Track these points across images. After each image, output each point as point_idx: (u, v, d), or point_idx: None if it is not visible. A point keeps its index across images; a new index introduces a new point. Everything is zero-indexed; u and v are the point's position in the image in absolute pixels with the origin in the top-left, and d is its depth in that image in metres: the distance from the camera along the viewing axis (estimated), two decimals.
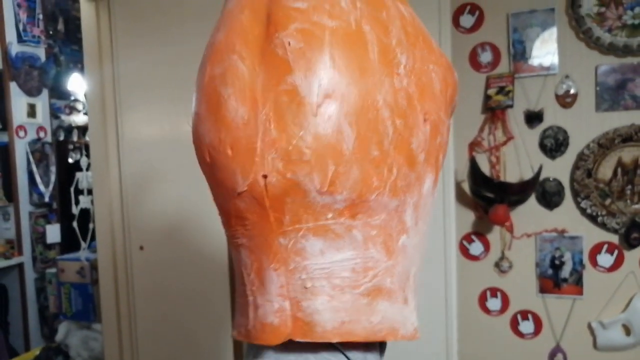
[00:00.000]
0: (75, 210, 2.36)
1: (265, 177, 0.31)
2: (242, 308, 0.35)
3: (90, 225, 2.36)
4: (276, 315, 0.32)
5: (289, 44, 0.31)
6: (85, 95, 2.06)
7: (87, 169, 2.30)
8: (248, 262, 0.34)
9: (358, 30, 0.33)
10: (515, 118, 1.63)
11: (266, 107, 0.31)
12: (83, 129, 2.40)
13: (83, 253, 2.38)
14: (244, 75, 0.31)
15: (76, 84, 2.42)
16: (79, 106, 2.37)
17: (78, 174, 2.36)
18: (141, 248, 1.90)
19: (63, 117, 2.74)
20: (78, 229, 2.36)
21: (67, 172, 3.10)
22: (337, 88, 0.31)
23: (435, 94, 0.36)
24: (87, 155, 2.23)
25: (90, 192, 2.29)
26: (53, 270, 2.72)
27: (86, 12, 1.94)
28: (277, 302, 0.33)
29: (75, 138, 2.45)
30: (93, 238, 2.22)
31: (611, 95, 1.54)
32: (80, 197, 2.36)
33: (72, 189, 2.38)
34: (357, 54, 0.32)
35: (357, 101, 0.32)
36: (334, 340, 0.33)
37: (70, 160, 2.47)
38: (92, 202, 2.21)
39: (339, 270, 0.33)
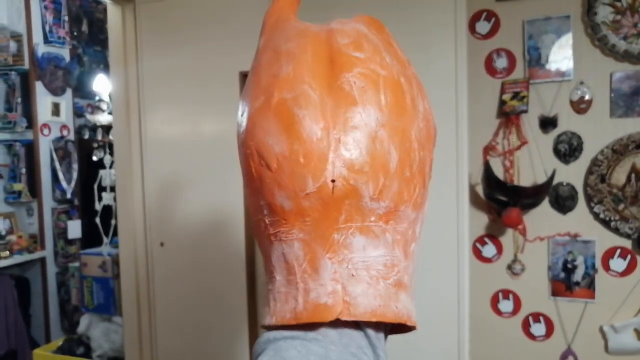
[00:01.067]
0: (98, 206, 2.43)
1: (333, 181, 0.40)
2: (284, 297, 0.42)
3: (112, 222, 2.42)
4: (329, 297, 0.40)
5: (355, 82, 0.42)
6: (109, 95, 2.12)
7: (111, 167, 2.36)
8: (301, 254, 0.42)
9: (398, 80, 0.44)
10: (529, 123, 1.65)
11: (336, 129, 0.41)
12: (107, 128, 2.46)
13: (105, 248, 2.44)
14: (316, 101, 0.41)
15: (101, 84, 2.49)
16: (103, 106, 2.44)
17: (101, 172, 2.43)
18: (162, 244, 1.95)
19: (88, 116, 2.82)
20: (100, 225, 2.43)
21: (89, 170, 3.18)
22: (388, 120, 0.42)
23: (430, 138, 0.48)
24: (111, 153, 2.29)
25: (113, 189, 2.35)
26: (76, 264, 2.80)
27: (112, 14, 1.99)
28: (330, 285, 0.41)
29: (99, 137, 2.52)
30: (115, 234, 2.28)
31: (626, 102, 1.56)
32: (103, 194, 2.42)
33: (95, 186, 2.45)
34: (398, 99, 0.43)
35: (400, 132, 0.43)
36: (373, 319, 0.41)
37: (94, 158, 2.54)
38: (114, 199, 2.27)
39: (375, 264, 0.42)
